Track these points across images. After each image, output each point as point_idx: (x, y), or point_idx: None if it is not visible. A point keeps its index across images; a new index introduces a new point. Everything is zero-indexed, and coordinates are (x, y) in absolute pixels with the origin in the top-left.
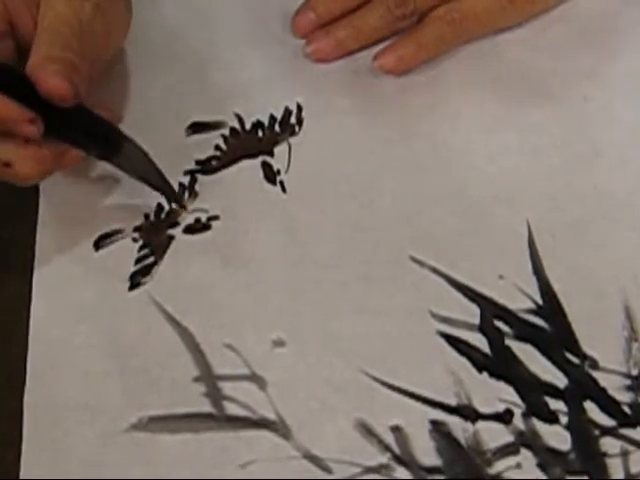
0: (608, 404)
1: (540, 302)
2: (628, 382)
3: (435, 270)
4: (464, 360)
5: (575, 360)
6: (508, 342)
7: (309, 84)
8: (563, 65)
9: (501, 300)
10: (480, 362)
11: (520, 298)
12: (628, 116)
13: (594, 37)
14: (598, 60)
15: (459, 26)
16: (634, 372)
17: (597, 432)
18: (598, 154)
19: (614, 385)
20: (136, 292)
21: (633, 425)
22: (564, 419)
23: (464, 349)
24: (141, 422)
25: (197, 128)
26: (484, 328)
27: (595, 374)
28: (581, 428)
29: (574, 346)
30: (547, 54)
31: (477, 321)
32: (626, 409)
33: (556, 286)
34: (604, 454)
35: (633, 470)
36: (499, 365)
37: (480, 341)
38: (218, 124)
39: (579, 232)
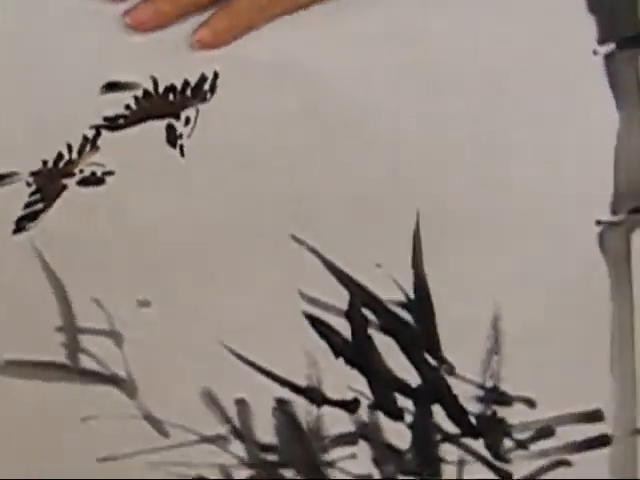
0: (456, 411)
1: (412, 296)
2: (481, 393)
3: (313, 250)
4: (323, 343)
5: (433, 362)
6: (371, 332)
7: (231, 53)
8: (486, 58)
9: (373, 289)
10: (339, 347)
11: (393, 289)
12: (541, 119)
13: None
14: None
15: None
16: (488, 384)
17: (439, 437)
18: (502, 154)
19: (466, 394)
20: (19, 236)
21: (476, 436)
22: (409, 418)
23: (325, 332)
24: None
25: (111, 87)
26: (350, 314)
27: (450, 380)
28: (424, 430)
29: (435, 348)
30: (471, 45)
31: (345, 306)
32: (472, 419)
33: (432, 284)
34: (441, 459)
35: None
36: (357, 353)
37: (344, 327)
38: (132, 85)
39: (467, 234)
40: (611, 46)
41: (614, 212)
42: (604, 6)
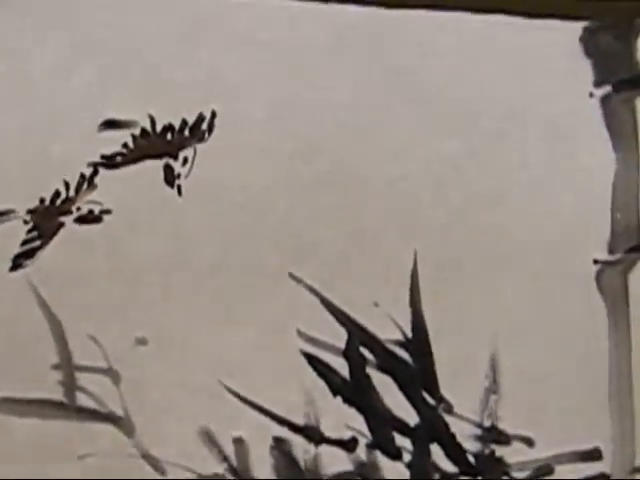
0: (454, 450)
1: (410, 336)
2: (479, 432)
3: (311, 289)
4: (321, 382)
5: (431, 401)
6: (369, 371)
7: (227, 92)
8: (486, 99)
9: (371, 328)
10: (336, 386)
11: (391, 328)
12: (539, 162)
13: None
14: (521, 101)
15: None
16: (486, 423)
17: (437, 476)
18: (501, 194)
19: (464, 432)
20: (16, 273)
21: (474, 475)
22: (407, 457)
23: (323, 371)
24: None
25: (110, 125)
26: (348, 353)
27: (448, 418)
28: (422, 469)
29: (433, 387)
30: (471, 85)
31: (343, 345)
32: (471, 458)
33: (429, 323)
34: None
35: None
36: (355, 392)
37: (342, 366)
38: (130, 123)
39: (465, 272)
40: (607, 88)
41: (611, 251)
42: (600, 49)
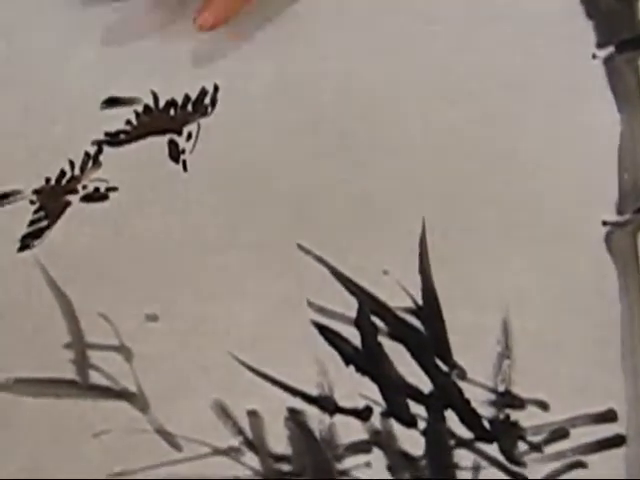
0: (469, 416)
1: (420, 303)
2: (493, 397)
3: (320, 259)
4: (333, 351)
5: (444, 367)
6: (381, 339)
7: (229, 66)
8: (489, 66)
9: (381, 296)
10: (349, 355)
11: (401, 296)
12: (544, 126)
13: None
14: (524, 66)
15: None
16: (500, 388)
17: (453, 442)
18: (507, 161)
19: (478, 398)
20: (24, 254)
21: (490, 440)
22: (422, 424)
23: (335, 340)
24: (7, 383)
25: (112, 102)
26: (359, 322)
27: (461, 384)
28: (437, 436)
29: (445, 353)
30: (473, 53)
31: (354, 314)
32: (486, 424)
33: (439, 290)
34: (455, 465)
35: None
36: (367, 361)
37: (353, 335)
38: (132, 100)
39: (473, 239)
40: (610, 49)
41: (620, 212)
42: (601, 10)
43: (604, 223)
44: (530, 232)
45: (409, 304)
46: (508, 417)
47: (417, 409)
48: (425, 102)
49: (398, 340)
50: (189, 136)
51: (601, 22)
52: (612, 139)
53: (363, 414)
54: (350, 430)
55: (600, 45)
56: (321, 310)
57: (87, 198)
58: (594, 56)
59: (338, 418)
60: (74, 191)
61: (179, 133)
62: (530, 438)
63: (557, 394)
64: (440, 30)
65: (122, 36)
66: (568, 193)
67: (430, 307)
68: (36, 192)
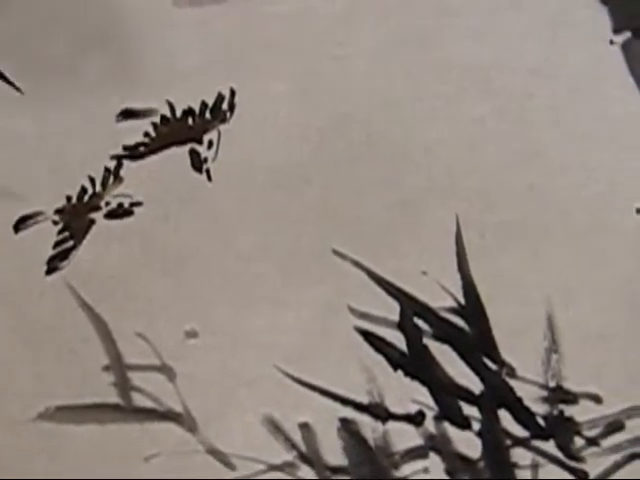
0: (523, 414)
1: (462, 302)
2: (544, 393)
3: (357, 264)
4: (379, 357)
5: (493, 366)
6: (426, 341)
7: (244, 68)
8: (510, 58)
9: (422, 297)
10: (396, 360)
11: (442, 296)
12: (571, 116)
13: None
14: (546, 55)
15: None
16: (551, 384)
17: (509, 442)
18: (537, 153)
19: (530, 395)
20: (53, 276)
21: (546, 437)
22: (477, 426)
23: (380, 346)
24: (48, 411)
25: (128, 114)
26: (403, 325)
27: (512, 382)
28: (493, 436)
29: (493, 351)
30: (494, 45)
31: (396, 318)
32: (540, 421)
33: (480, 287)
34: (514, 465)
35: None
36: (415, 365)
37: (398, 339)
38: (149, 111)
39: (509, 234)
40: (627, 34)
41: None
42: None
43: (638, 211)
44: (566, 224)
45: (451, 303)
46: (562, 413)
47: (470, 410)
48: (448, 98)
49: (444, 341)
50: (210, 144)
51: (616, 8)
52: (637, 124)
53: (416, 419)
54: (404, 436)
55: (616, 31)
56: (363, 315)
57: (111, 215)
58: (611, 42)
59: (391, 425)
60: (97, 208)
61: (200, 142)
62: (586, 433)
63: (609, 386)
64: (459, 22)
65: (135, 46)
66: (599, 182)
67: (473, 305)
68: (58, 212)
